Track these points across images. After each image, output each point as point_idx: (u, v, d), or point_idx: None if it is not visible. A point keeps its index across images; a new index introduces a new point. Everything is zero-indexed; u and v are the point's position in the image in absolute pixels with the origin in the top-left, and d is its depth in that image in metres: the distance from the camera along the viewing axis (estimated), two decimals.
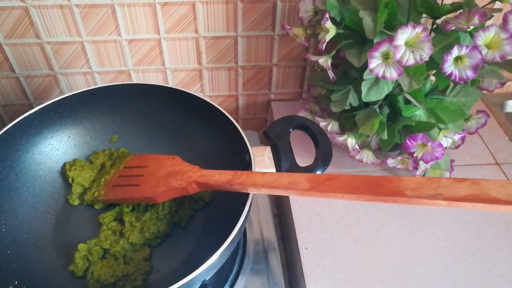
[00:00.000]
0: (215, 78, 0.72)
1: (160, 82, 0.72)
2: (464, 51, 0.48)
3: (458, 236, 0.57)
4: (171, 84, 0.73)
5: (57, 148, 0.56)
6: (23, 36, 0.63)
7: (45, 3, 0.59)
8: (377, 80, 0.53)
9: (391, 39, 0.47)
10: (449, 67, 0.49)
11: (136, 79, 0.71)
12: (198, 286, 0.41)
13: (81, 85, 0.71)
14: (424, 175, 0.59)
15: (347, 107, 0.57)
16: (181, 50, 0.68)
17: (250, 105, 0.78)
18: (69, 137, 0.57)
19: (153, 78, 0.71)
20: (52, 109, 0.53)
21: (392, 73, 0.49)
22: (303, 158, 0.61)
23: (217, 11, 0.63)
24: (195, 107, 0.54)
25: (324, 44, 0.52)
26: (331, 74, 0.55)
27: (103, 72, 0.69)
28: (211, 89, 0.74)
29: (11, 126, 0.50)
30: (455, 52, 0.48)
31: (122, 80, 0.71)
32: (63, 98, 0.54)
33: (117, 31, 0.64)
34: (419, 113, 0.56)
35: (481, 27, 0.49)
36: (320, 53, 0.55)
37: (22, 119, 0.51)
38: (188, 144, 0.57)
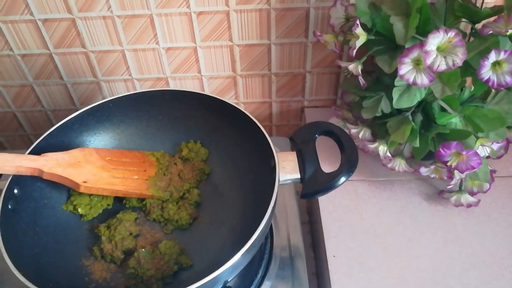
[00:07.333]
0: (249, 85, 0.74)
1: (197, 89, 0.74)
2: (502, 55, 0.46)
3: (498, 251, 0.54)
4: (207, 90, 0.75)
5: None
6: (70, 46, 0.67)
7: (90, 15, 0.63)
8: (409, 86, 0.51)
9: (422, 44, 0.46)
10: (486, 72, 0.47)
11: (174, 86, 0.74)
12: (220, 287, 0.42)
13: (121, 92, 0.75)
14: (461, 186, 0.57)
15: (378, 114, 0.56)
16: (216, 58, 0.69)
17: (283, 112, 0.78)
18: (107, 140, 0.59)
19: (190, 85, 0.74)
20: (91, 113, 0.56)
21: (423, 80, 0.47)
22: (331, 164, 0.60)
23: (251, 20, 0.64)
24: (226, 113, 0.55)
25: (355, 51, 0.52)
26: (361, 80, 0.54)
27: (142, 79, 0.73)
28: (245, 96, 0.75)
29: (54, 129, 0.53)
30: (492, 57, 0.46)
31: (160, 87, 0.74)
32: (100, 103, 0.57)
33: (155, 40, 0.67)
34: (455, 121, 0.54)
35: None
36: (351, 60, 0.54)
37: (64, 122, 0.54)
38: (218, 148, 0.58)
